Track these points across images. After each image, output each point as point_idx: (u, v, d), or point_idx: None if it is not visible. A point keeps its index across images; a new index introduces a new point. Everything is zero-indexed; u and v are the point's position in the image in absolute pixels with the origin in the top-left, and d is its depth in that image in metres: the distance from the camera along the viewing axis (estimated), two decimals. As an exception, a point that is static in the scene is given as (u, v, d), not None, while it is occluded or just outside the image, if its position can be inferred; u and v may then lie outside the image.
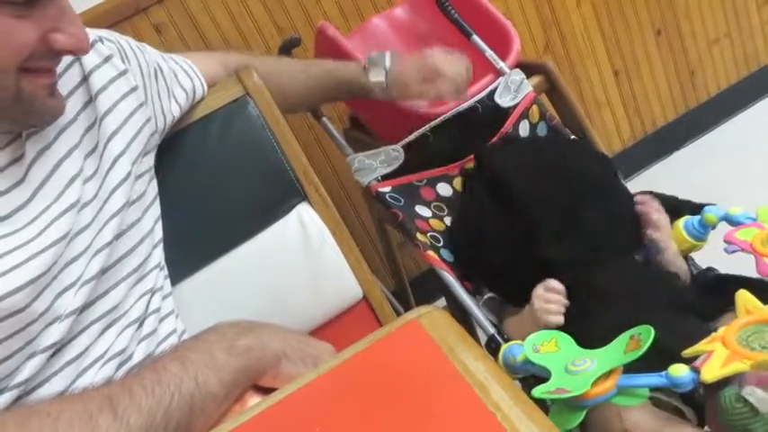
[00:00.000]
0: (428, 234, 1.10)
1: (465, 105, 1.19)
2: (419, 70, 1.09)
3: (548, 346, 0.74)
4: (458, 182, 1.17)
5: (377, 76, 1.08)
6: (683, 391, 0.64)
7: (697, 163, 1.96)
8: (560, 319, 0.86)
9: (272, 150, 0.92)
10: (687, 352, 0.67)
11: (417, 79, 1.09)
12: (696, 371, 0.64)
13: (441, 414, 0.41)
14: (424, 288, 1.62)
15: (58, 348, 0.65)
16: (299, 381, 0.47)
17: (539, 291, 0.89)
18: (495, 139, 1.18)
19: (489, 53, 1.22)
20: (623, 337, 0.71)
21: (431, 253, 1.06)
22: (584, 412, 0.69)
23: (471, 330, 1.15)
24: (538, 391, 0.68)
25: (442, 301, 1.24)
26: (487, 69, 1.22)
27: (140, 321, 0.72)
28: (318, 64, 1.13)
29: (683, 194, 1.03)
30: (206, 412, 0.55)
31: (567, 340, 0.76)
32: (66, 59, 0.69)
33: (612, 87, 1.91)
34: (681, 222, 0.95)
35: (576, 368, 0.70)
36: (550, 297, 0.87)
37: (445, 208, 1.15)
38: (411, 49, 1.37)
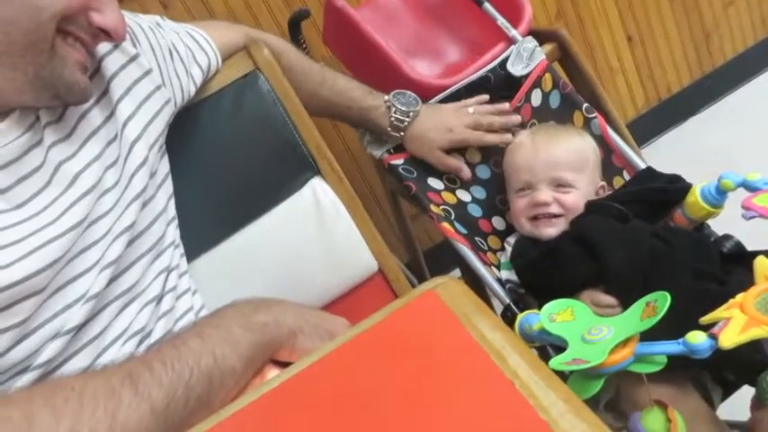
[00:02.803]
0: (440, 206, 1.10)
1: (476, 75, 1.18)
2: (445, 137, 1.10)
3: (564, 315, 0.74)
4: (470, 153, 1.16)
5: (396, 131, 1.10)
6: (701, 357, 0.64)
7: (713, 129, 1.93)
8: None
9: (283, 125, 0.91)
10: (705, 319, 0.67)
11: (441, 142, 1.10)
12: (714, 337, 0.64)
13: (459, 383, 0.41)
14: (438, 259, 1.62)
15: (79, 328, 0.66)
16: (316, 353, 0.47)
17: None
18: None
19: (501, 21, 1.20)
20: (639, 304, 0.71)
21: (445, 225, 1.05)
22: (603, 380, 0.69)
23: (487, 300, 1.15)
24: (555, 363, 0.68)
25: (456, 272, 1.24)
26: (499, 38, 1.20)
27: (158, 299, 0.73)
28: (340, 83, 1.10)
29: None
30: (225, 386, 0.55)
31: (583, 309, 0.76)
32: None
33: (626, 53, 1.87)
34: (697, 189, 0.94)
35: (593, 337, 0.70)
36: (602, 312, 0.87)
37: (457, 180, 1.15)
38: (422, 20, 1.35)
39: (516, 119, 1.13)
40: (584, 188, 1.02)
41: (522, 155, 1.05)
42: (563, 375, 0.70)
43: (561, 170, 1.01)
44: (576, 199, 1.00)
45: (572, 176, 1.01)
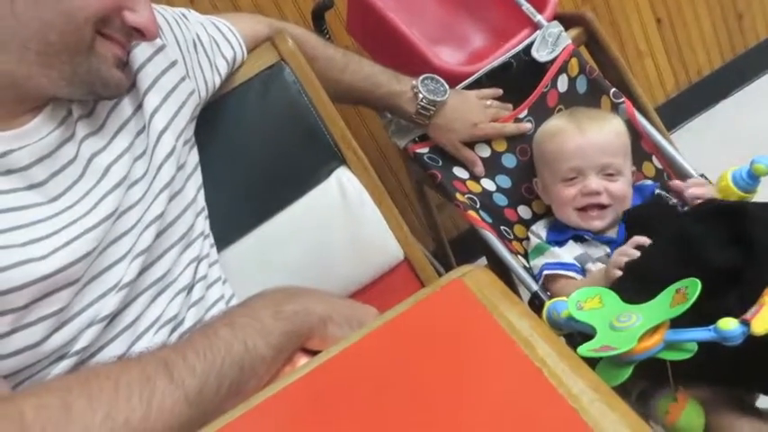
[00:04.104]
0: (465, 195, 1.09)
1: (498, 61, 1.17)
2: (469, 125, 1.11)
3: (592, 303, 0.74)
4: (496, 141, 1.15)
5: (423, 117, 1.09)
6: (732, 344, 0.63)
7: (745, 112, 1.89)
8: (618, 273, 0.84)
9: (309, 115, 0.92)
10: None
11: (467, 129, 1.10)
12: (746, 324, 0.63)
13: (487, 371, 0.41)
14: (464, 248, 1.62)
15: (113, 317, 0.67)
16: (345, 342, 0.48)
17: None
18: (532, 96, 1.15)
19: (526, 6, 1.19)
20: (669, 291, 0.70)
21: (471, 213, 1.05)
22: (632, 368, 0.68)
23: (513, 288, 1.15)
24: (584, 349, 0.67)
25: (482, 261, 1.24)
26: (524, 23, 1.19)
27: (189, 288, 0.75)
28: (365, 69, 1.09)
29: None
30: (256, 374, 0.56)
31: (611, 296, 0.75)
32: None
33: (655, 35, 1.84)
34: (729, 174, 0.93)
35: (622, 324, 0.69)
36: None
37: (483, 168, 1.14)
38: (446, 7, 1.34)
39: (527, 126, 1.14)
40: (628, 175, 1.00)
41: (572, 139, 1.00)
42: (592, 362, 0.70)
43: (612, 155, 0.98)
44: (624, 187, 0.98)
45: (621, 162, 0.99)
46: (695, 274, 0.67)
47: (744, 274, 0.71)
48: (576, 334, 0.89)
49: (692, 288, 0.66)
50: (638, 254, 0.84)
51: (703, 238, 0.76)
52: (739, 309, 0.67)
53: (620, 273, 0.84)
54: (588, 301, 0.75)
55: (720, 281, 0.71)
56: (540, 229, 1.07)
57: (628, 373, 0.69)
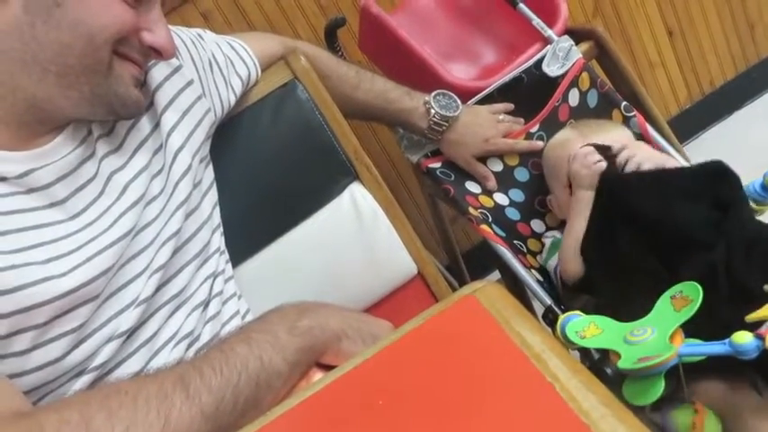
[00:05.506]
0: (478, 210, 1.10)
1: (509, 77, 1.18)
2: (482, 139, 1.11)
3: (590, 330, 0.74)
4: (508, 155, 1.16)
5: (435, 132, 1.10)
6: (748, 358, 0.63)
7: (759, 123, 1.88)
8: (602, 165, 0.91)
9: (322, 132, 0.93)
10: (750, 317, 0.66)
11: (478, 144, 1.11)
12: (761, 338, 0.63)
13: (499, 386, 0.42)
14: (478, 260, 1.62)
15: (131, 332, 0.68)
16: (359, 357, 0.48)
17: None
18: (544, 111, 1.16)
19: (536, 21, 1.19)
20: (665, 299, 0.71)
21: (484, 227, 1.05)
22: (664, 381, 0.68)
23: (527, 302, 1.15)
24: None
25: (495, 274, 1.24)
26: (535, 38, 1.20)
27: (205, 304, 0.76)
28: (378, 85, 1.09)
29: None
30: (272, 389, 0.57)
31: (604, 321, 0.75)
32: None
33: (667, 47, 1.84)
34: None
35: (638, 338, 0.70)
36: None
37: (495, 183, 1.15)
38: (457, 23, 1.36)
39: (539, 144, 1.14)
40: None
41: (575, 145, 1.02)
42: (613, 387, 0.70)
43: None
44: None
45: None
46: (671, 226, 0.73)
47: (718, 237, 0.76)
48: (592, 350, 0.89)
49: (688, 290, 0.66)
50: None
51: (683, 193, 0.82)
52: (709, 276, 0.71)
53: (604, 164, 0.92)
54: (586, 330, 0.75)
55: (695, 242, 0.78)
56: (553, 233, 1.08)
57: (661, 386, 0.67)
